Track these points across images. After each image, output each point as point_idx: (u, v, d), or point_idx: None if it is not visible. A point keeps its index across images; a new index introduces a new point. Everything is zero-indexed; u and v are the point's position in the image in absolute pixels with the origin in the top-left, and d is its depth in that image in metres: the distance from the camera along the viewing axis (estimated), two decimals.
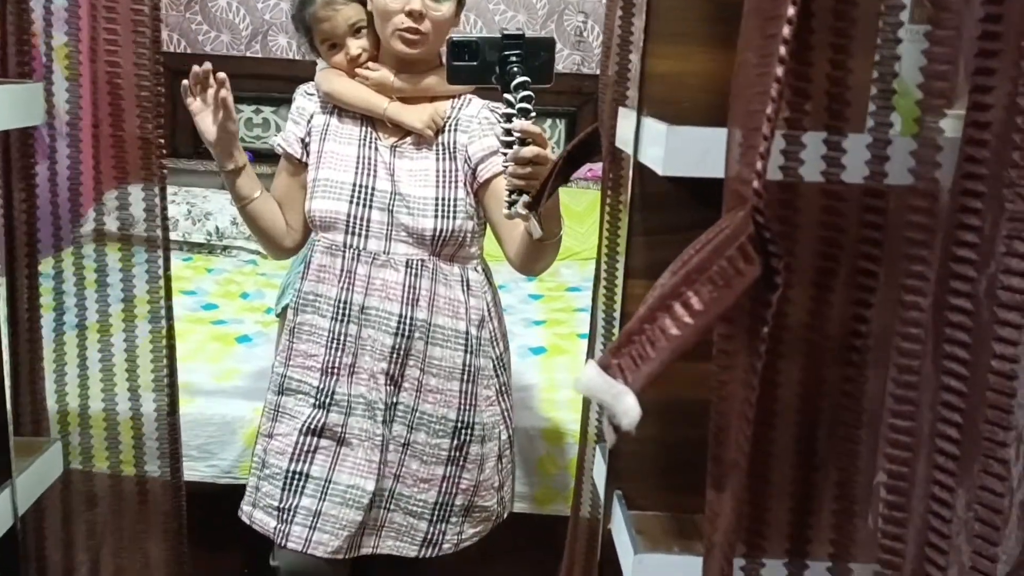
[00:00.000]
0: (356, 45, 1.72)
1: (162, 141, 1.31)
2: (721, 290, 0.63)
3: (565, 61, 4.17)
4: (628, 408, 0.63)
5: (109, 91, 1.26)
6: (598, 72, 4.07)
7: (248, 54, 4.10)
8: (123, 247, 1.37)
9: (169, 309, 1.42)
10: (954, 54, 0.68)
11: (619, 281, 1.04)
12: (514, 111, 1.27)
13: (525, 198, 1.33)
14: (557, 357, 2.80)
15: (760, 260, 0.65)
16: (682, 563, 0.94)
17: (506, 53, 1.30)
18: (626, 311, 1.03)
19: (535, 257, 1.65)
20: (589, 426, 1.34)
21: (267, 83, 3.95)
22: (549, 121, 4.21)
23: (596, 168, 4.12)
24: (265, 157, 3.58)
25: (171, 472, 1.47)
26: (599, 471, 1.15)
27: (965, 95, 0.70)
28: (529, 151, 1.31)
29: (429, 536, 1.76)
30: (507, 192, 1.36)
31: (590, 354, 1.35)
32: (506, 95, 1.29)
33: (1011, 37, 0.64)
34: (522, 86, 1.26)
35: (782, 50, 0.61)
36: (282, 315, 2.26)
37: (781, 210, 0.74)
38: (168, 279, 1.40)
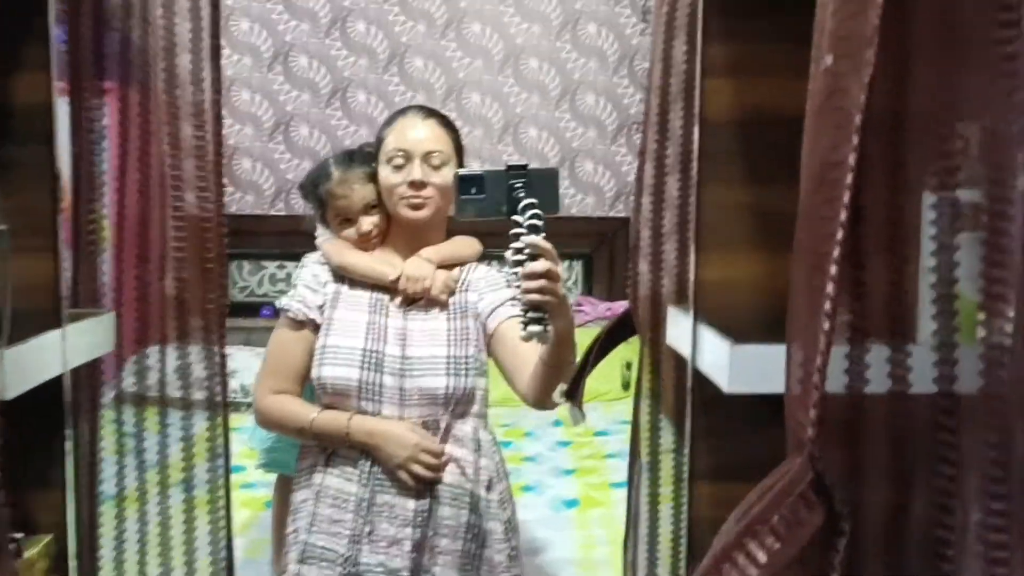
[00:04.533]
0: (368, 222, 1.78)
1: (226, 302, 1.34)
2: (784, 541, 0.64)
3: (580, 204, 4.28)
4: None
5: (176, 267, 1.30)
6: (611, 215, 4.09)
7: (272, 212, 4.23)
8: (158, 410, 1.39)
9: (227, 476, 1.43)
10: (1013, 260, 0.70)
11: (684, 483, 1.05)
12: (523, 230, 1.29)
13: (536, 318, 1.33)
14: (591, 510, 2.76)
15: (823, 507, 0.65)
16: None
17: (512, 183, 1.33)
18: (693, 515, 1.03)
19: (549, 387, 1.65)
20: None
21: (291, 239, 4.05)
22: (566, 263, 4.29)
23: (615, 307, 4.17)
24: None
25: None
26: None
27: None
28: (540, 265, 1.31)
29: None
30: (521, 311, 1.34)
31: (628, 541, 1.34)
32: (514, 217, 1.30)
33: None
34: (530, 206, 1.28)
35: (833, 269, 0.62)
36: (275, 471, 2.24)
37: (846, 425, 0.74)
38: (228, 444, 1.41)
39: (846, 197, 0.58)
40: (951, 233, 0.75)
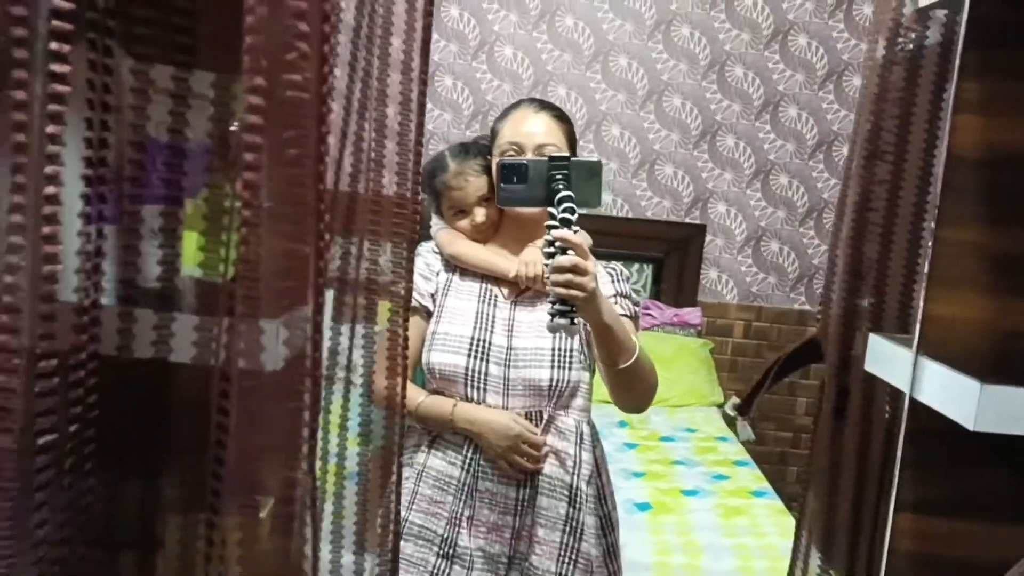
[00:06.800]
0: (482, 213, 1.81)
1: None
2: None
3: (656, 208, 4.27)
4: None
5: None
6: (686, 220, 4.06)
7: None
8: None
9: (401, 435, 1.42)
10: None
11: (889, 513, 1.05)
12: (556, 222, 1.28)
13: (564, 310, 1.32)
14: (664, 516, 2.77)
15: None
16: None
17: (553, 173, 1.32)
18: (893, 547, 1.03)
19: (616, 387, 1.67)
20: None
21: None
22: (636, 266, 4.28)
23: (682, 313, 4.16)
24: None
25: None
26: None
27: None
28: (567, 260, 1.32)
29: None
30: (550, 303, 1.35)
31: (795, 560, 1.34)
32: (549, 209, 1.30)
33: None
34: (566, 199, 1.28)
35: None
36: None
37: None
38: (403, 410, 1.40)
39: None
40: None
